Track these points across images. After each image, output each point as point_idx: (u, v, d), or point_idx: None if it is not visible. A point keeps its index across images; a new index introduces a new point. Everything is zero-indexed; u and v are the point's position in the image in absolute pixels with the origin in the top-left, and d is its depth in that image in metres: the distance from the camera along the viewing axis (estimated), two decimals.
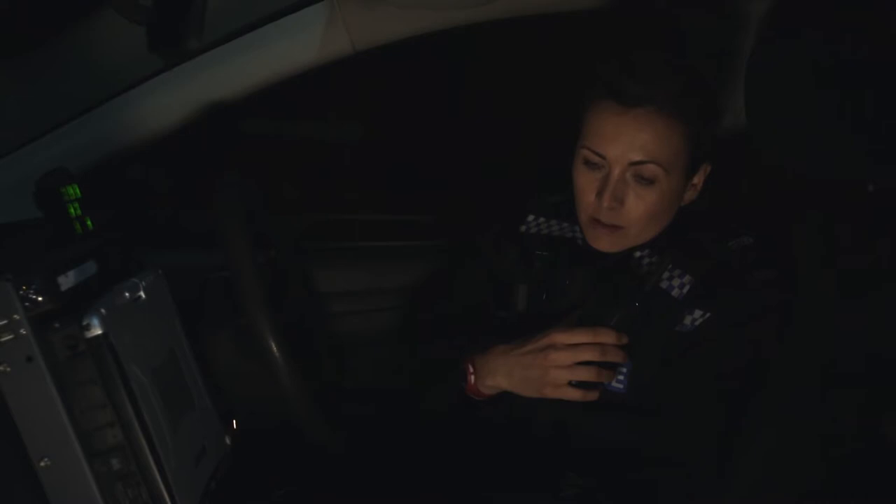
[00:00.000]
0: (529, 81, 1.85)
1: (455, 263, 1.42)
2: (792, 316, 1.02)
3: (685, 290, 1.05)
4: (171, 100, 1.36)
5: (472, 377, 1.10)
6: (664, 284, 1.07)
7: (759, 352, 1.03)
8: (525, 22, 1.29)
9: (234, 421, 1.19)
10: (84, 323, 0.88)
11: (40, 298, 0.87)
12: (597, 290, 1.11)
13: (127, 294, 0.97)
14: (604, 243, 1.10)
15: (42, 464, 0.87)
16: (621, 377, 1.07)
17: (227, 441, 1.14)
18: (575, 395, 1.03)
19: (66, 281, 0.93)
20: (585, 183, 1.08)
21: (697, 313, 1.04)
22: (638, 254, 1.11)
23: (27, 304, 0.86)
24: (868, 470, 0.97)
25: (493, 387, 1.09)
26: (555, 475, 1.11)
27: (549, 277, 1.17)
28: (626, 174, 1.04)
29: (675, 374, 1.05)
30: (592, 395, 1.03)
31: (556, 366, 1.03)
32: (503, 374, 1.07)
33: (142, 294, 1.00)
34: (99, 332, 0.88)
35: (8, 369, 0.85)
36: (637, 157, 1.03)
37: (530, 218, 1.25)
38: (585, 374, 1.02)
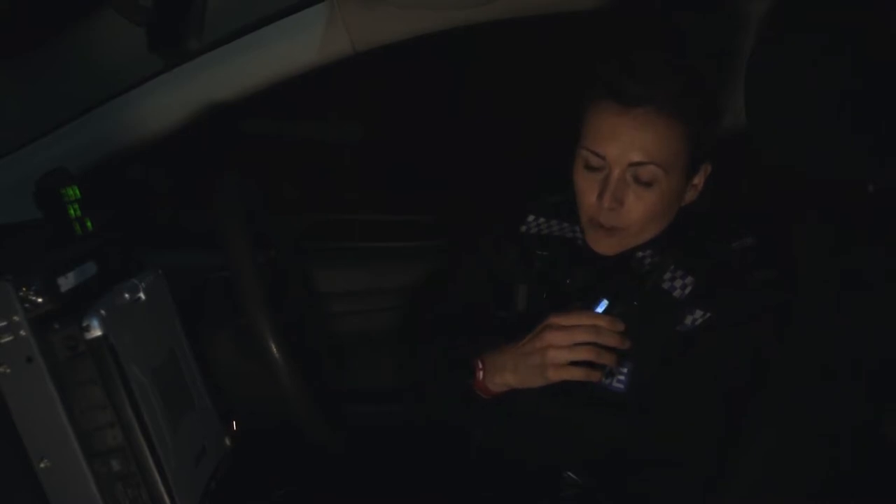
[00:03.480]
0: (529, 82, 1.85)
1: (455, 263, 1.42)
2: (792, 316, 1.02)
3: (687, 290, 1.05)
4: (172, 100, 1.36)
5: (481, 373, 1.10)
6: (666, 285, 1.06)
7: (759, 352, 1.03)
8: (525, 22, 1.29)
9: (234, 421, 1.19)
10: (84, 324, 0.88)
11: (40, 299, 0.87)
12: (597, 290, 1.11)
13: (127, 295, 0.97)
14: (603, 246, 1.10)
15: (42, 464, 0.87)
16: (622, 377, 1.07)
17: (227, 441, 1.14)
18: (578, 374, 1.02)
19: (66, 282, 0.93)
20: (586, 185, 1.08)
21: (698, 313, 1.04)
22: (640, 254, 1.11)
23: (27, 304, 0.86)
24: (868, 470, 0.97)
25: (501, 384, 1.09)
26: (555, 475, 1.11)
27: (549, 277, 1.17)
28: (626, 175, 1.04)
29: (676, 374, 1.05)
30: (596, 375, 1.03)
31: (554, 345, 1.02)
32: (510, 368, 1.07)
33: (142, 295, 1.00)
34: (99, 332, 0.88)
35: (8, 370, 0.85)
36: (637, 158, 1.03)
37: (530, 218, 1.25)
38: (584, 354, 1.02)
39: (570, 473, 1.11)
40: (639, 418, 1.06)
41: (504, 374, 1.08)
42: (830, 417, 0.98)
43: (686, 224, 1.11)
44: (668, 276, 1.07)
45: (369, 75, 1.63)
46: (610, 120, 1.03)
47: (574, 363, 1.02)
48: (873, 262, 1.00)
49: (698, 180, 1.10)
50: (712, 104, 1.07)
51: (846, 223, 1.05)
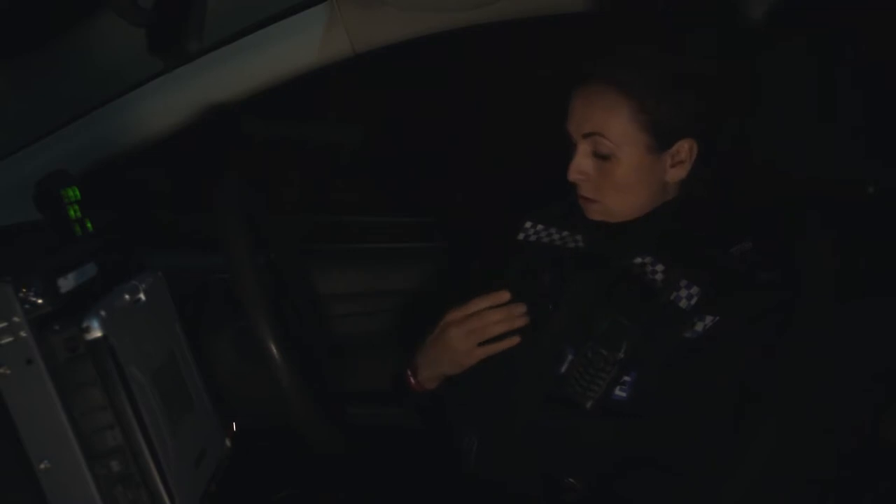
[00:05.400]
0: (530, 83, 1.85)
1: (455, 272, 1.42)
2: (793, 316, 1.02)
3: (693, 301, 1.05)
4: (172, 101, 1.36)
5: (412, 378, 1.21)
6: (672, 296, 1.06)
7: (763, 352, 1.03)
8: (525, 24, 1.29)
9: (235, 423, 1.19)
10: (84, 325, 0.88)
11: (40, 301, 0.87)
12: (603, 304, 1.10)
13: (127, 296, 0.97)
14: (591, 213, 1.14)
15: (42, 466, 0.87)
16: (625, 385, 1.07)
17: (227, 443, 1.14)
18: (487, 351, 1.13)
19: (66, 283, 0.93)
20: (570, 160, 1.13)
21: (708, 319, 1.04)
22: (639, 259, 1.10)
23: (27, 306, 0.85)
24: (868, 470, 0.97)
25: (430, 377, 1.19)
26: (554, 480, 1.11)
27: (551, 288, 1.16)
28: (587, 147, 1.09)
29: (681, 380, 1.05)
30: (507, 343, 1.12)
31: (458, 340, 1.13)
32: (429, 363, 1.18)
33: (141, 296, 1.00)
34: (99, 334, 0.88)
35: (8, 371, 0.85)
36: (586, 130, 1.07)
37: (528, 225, 1.25)
38: (479, 336, 1.12)
39: (570, 479, 1.11)
40: (641, 426, 1.05)
41: (426, 369, 1.19)
42: (830, 418, 0.98)
43: (684, 228, 1.11)
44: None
45: (369, 76, 1.63)
46: (573, 97, 1.10)
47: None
48: (873, 263, 1.00)
49: (682, 157, 1.09)
50: (674, 83, 1.06)
51: (846, 223, 1.05)
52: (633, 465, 1.07)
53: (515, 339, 1.12)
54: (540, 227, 1.24)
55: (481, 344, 1.13)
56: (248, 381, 1.17)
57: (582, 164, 1.09)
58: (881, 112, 0.94)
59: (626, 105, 1.05)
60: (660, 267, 1.09)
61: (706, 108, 1.08)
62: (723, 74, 1.07)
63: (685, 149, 1.08)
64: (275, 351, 1.01)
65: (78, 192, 1.07)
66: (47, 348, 0.86)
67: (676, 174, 1.10)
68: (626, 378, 1.07)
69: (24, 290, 0.85)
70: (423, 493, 1.28)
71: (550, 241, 1.22)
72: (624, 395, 1.07)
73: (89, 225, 1.08)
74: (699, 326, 1.04)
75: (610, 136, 1.06)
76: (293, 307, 1.28)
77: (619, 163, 1.07)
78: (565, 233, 1.21)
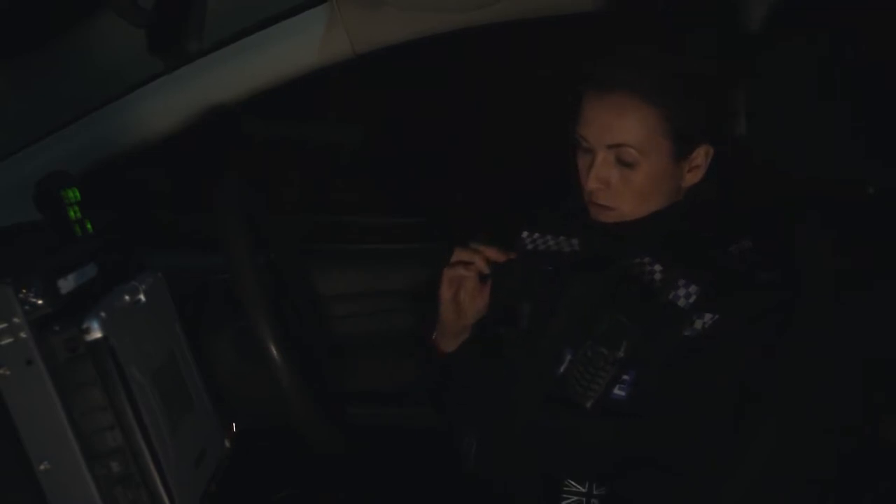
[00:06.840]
0: (530, 84, 1.85)
1: None
2: (793, 317, 1.01)
3: (692, 299, 1.05)
4: (173, 102, 1.36)
5: (432, 339, 1.27)
6: (670, 295, 1.06)
7: (763, 352, 1.03)
8: (526, 24, 1.29)
9: (234, 423, 1.19)
10: (84, 326, 0.88)
11: (40, 302, 0.87)
12: (603, 306, 1.10)
13: (127, 297, 0.97)
14: (603, 217, 1.13)
15: (42, 467, 0.87)
16: (623, 385, 1.07)
17: (227, 443, 1.14)
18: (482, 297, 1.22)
19: (66, 284, 0.93)
20: (581, 166, 1.13)
21: (707, 317, 1.04)
22: (637, 260, 1.11)
23: (27, 307, 0.85)
24: (868, 470, 0.97)
25: (442, 338, 1.25)
26: (554, 482, 1.11)
27: (551, 293, 1.16)
28: (610, 157, 1.08)
29: (681, 379, 1.05)
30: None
31: (443, 291, 1.21)
32: (438, 325, 1.25)
33: (142, 297, 1.00)
34: (99, 335, 0.88)
35: (8, 372, 0.85)
36: (612, 141, 1.07)
37: (524, 235, 1.25)
38: (457, 283, 1.21)
39: (570, 481, 1.11)
40: (640, 425, 1.05)
41: (441, 329, 1.24)
42: (830, 418, 0.98)
43: (691, 229, 1.11)
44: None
45: (369, 77, 1.63)
46: (589, 105, 1.09)
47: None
48: (873, 262, 1.00)
49: (698, 162, 1.11)
50: (694, 86, 1.07)
51: (846, 223, 1.05)
52: (633, 465, 1.07)
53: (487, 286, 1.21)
54: (536, 235, 1.24)
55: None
56: (248, 381, 1.17)
57: (604, 174, 1.09)
58: (881, 112, 0.94)
59: (653, 114, 1.05)
60: (658, 267, 1.09)
61: (720, 113, 1.10)
62: (734, 78, 1.08)
63: (702, 154, 1.10)
64: (275, 351, 1.01)
65: (78, 194, 1.07)
66: (47, 349, 0.86)
67: (692, 179, 1.12)
68: (625, 377, 1.07)
69: (24, 290, 0.86)
70: (422, 493, 1.28)
71: (547, 248, 1.22)
72: (623, 394, 1.07)
73: (89, 225, 1.08)
74: (698, 325, 1.04)
75: (637, 145, 1.06)
76: (293, 307, 1.28)
77: (641, 170, 1.07)
78: (561, 237, 1.21)
